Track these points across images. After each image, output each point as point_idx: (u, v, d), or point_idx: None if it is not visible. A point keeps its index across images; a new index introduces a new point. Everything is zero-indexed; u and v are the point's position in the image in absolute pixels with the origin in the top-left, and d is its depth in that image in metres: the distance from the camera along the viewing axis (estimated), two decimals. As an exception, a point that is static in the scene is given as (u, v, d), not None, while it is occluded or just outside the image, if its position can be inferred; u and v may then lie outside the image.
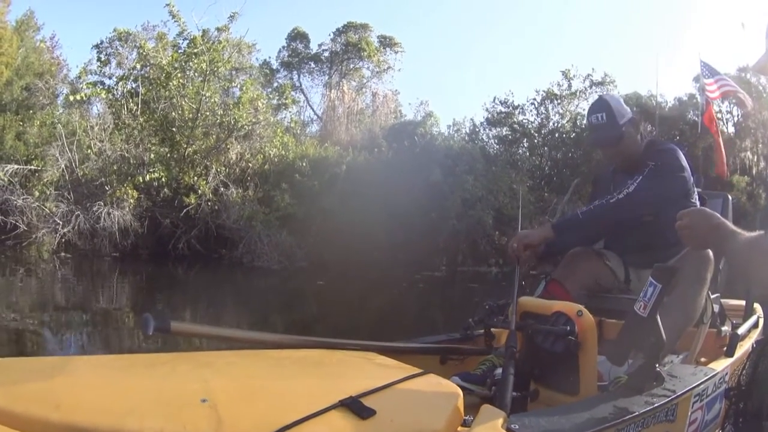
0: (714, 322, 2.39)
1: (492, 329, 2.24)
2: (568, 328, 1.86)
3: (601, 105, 2.55)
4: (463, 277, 12.32)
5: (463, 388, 2.00)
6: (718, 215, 1.50)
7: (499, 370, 1.98)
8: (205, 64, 11.85)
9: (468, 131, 19.57)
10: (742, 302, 2.95)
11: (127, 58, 13.13)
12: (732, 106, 17.99)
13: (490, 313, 2.22)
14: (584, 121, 18.04)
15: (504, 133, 19.67)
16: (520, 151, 19.49)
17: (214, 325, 1.81)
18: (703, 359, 2.49)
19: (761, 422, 2.21)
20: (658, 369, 1.72)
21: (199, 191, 11.65)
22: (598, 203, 2.36)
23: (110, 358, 1.53)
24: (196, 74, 12.14)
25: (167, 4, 12.39)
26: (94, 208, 10.89)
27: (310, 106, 22.82)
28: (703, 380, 1.87)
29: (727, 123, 18.18)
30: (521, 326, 1.99)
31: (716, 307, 2.39)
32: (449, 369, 2.21)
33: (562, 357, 1.88)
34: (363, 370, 1.64)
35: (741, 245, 1.37)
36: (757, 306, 2.99)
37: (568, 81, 19.07)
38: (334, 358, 1.75)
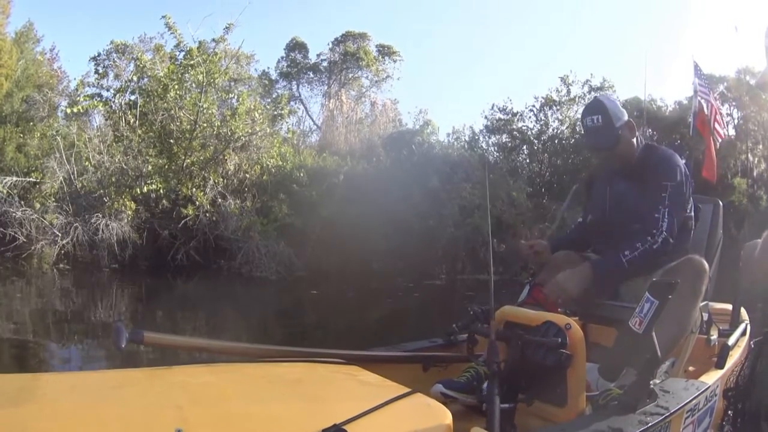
0: (702, 329, 2.37)
1: (476, 336, 2.20)
2: (560, 340, 1.81)
3: (597, 107, 2.49)
4: (463, 285, 12.27)
5: (446, 396, 1.99)
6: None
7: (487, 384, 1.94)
8: (201, 75, 11.86)
9: (467, 139, 19.59)
10: (727, 306, 2.93)
11: (124, 70, 13.20)
12: (732, 108, 18.00)
13: (474, 318, 2.15)
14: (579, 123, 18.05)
15: (504, 140, 19.66)
16: (521, 158, 19.47)
17: (189, 336, 1.77)
18: (691, 368, 2.47)
19: (759, 422, 2.18)
20: (651, 385, 1.69)
21: (197, 202, 11.64)
22: (642, 249, 2.24)
23: (82, 376, 1.49)
24: (193, 85, 12.16)
25: (163, 16, 12.47)
26: (93, 220, 10.88)
27: (309, 116, 22.85)
28: (695, 395, 1.86)
29: (727, 125, 18.13)
30: (507, 336, 1.95)
31: (705, 315, 2.37)
32: (432, 376, 2.18)
33: (551, 368, 1.85)
34: (346, 390, 1.57)
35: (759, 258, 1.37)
36: (743, 311, 2.96)
37: (567, 87, 19.05)
38: (315, 374, 1.66)
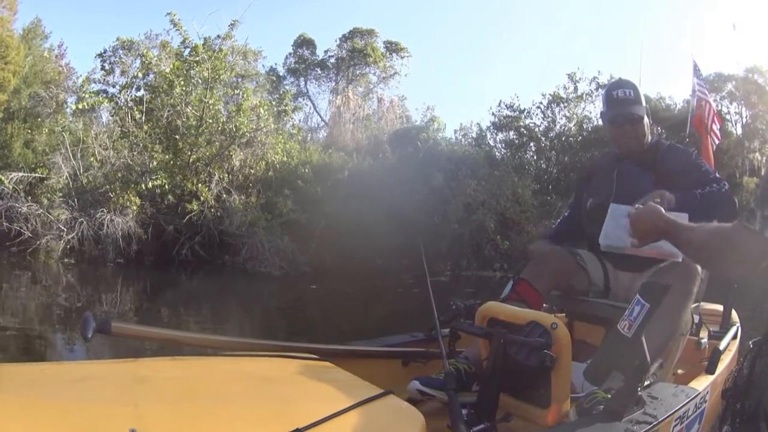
0: (692, 331, 2.32)
1: (458, 332, 2.14)
2: (545, 340, 1.74)
3: (627, 83, 2.51)
4: (467, 282, 12.24)
5: (423, 393, 1.94)
6: (663, 217, 1.50)
7: None
8: (207, 72, 11.88)
9: (474, 136, 19.55)
10: (717, 306, 2.87)
11: (130, 67, 13.25)
12: (740, 107, 17.87)
13: (456, 314, 2.09)
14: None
15: (511, 137, 19.60)
16: (528, 155, 19.40)
17: (159, 327, 1.73)
18: (680, 371, 2.42)
19: (758, 423, 2.14)
20: (639, 392, 1.64)
21: (202, 198, 11.68)
22: (710, 191, 2.27)
23: (41, 368, 1.42)
24: (199, 82, 12.18)
25: (168, 13, 12.49)
26: (97, 215, 10.95)
27: (317, 112, 22.84)
28: (685, 402, 1.80)
29: (735, 124, 18.04)
30: (489, 334, 1.91)
31: (696, 317, 2.32)
32: (412, 372, 2.15)
33: (535, 369, 1.80)
34: (316, 390, 1.49)
35: (697, 235, 1.39)
36: (733, 313, 2.91)
37: (574, 84, 18.98)
38: (285, 371, 1.60)
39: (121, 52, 13.70)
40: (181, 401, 1.21)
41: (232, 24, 12.94)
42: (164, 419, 1.08)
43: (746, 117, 17.92)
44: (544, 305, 2.39)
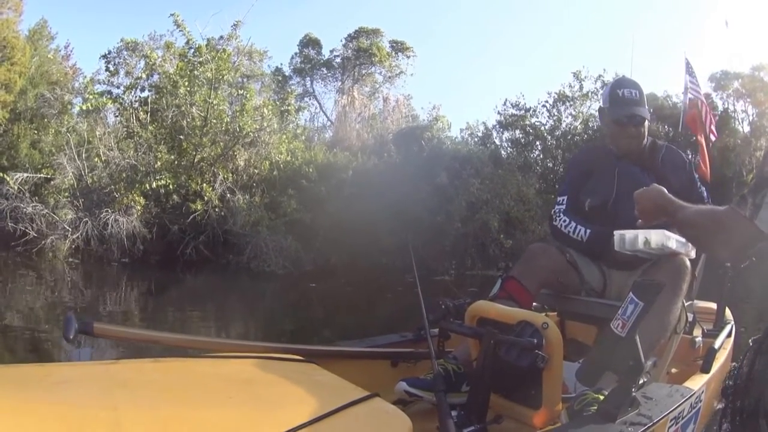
0: (685, 329, 2.29)
1: (448, 331, 2.11)
2: (536, 341, 1.73)
3: (634, 83, 2.48)
4: (472, 281, 12.19)
5: (410, 394, 1.92)
6: (665, 196, 1.56)
7: None
8: (210, 72, 11.91)
9: (480, 135, 19.50)
10: (711, 304, 2.84)
11: (134, 68, 13.30)
12: (747, 104, 17.76)
13: (445, 313, 2.05)
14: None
15: (517, 135, 19.55)
16: (534, 154, 19.35)
17: (142, 328, 1.73)
18: (674, 370, 2.40)
19: (758, 420, 2.12)
20: (633, 393, 1.62)
21: (206, 198, 11.71)
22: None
23: (20, 370, 1.39)
24: (203, 82, 12.21)
25: (172, 14, 12.56)
26: (102, 215, 11.00)
27: (323, 111, 22.84)
28: (680, 402, 1.76)
29: (742, 122, 17.94)
30: (479, 334, 1.89)
31: (690, 316, 2.29)
32: (401, 372, 2.14)
33: (526, 369, 1.77)
34: (299, 391, 1.44)
35: (691, 215, 1.46)
36: (727, 312, 2.87)
37: (580, 82, 18.91)
38: (268, 373, 1.56)
39: (125, 53, 13.76)
40: (161, 405, 1.20)
41: (235, 24, 12.99)
42: (142, 424, 1.06)
43: (753, 115, 17.83)
44: (536, 304, 2.37)
